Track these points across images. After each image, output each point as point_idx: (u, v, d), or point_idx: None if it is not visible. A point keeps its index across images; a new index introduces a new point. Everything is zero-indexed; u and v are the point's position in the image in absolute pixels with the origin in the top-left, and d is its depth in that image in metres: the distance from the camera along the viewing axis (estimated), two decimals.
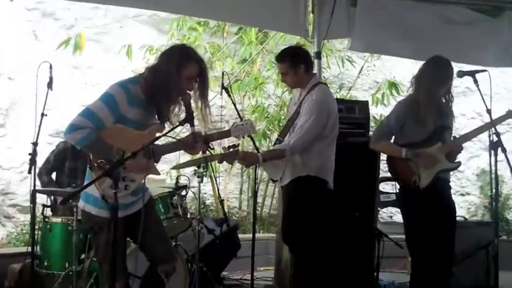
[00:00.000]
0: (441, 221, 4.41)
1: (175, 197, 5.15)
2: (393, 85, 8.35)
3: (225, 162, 4.33)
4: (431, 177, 4.40)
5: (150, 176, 3.72)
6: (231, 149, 4.04)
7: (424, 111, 4.40)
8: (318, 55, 5.66)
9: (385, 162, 4.69)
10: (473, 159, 10.69)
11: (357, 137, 5.50)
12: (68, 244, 4.91)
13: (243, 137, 4.15)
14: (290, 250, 4.71)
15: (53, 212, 5.51)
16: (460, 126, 9.03)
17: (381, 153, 5.22)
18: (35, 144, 4.59)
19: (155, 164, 3.73)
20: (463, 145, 4.60)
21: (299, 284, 4.47)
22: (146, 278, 3.98)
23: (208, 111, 3.80)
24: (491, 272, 5.29)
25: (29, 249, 4.57)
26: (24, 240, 7.49)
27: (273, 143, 5.14)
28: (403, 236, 4.60)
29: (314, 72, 4.79)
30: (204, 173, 5.28)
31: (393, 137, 4.63)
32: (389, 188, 6.57)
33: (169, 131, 3.58)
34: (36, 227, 4.82)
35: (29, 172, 4.56)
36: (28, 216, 7.43)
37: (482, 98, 4.19)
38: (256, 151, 4.85)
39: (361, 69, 9.50)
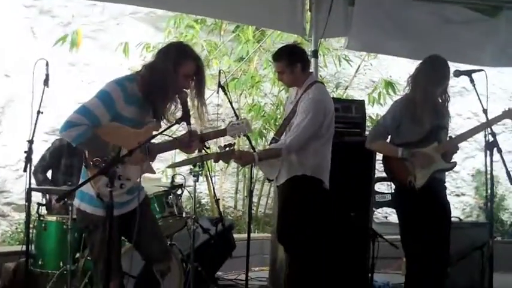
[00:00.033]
0: (436, 221, 4.41)
1: (171, 196, 5.14)
2: (390, 84, 8.33)
3: (221, 161, 4.31)
4: (426, 177, 4.41)
5: (146, 174, 3.71)
6: (227, 148, 4.04)
7: (421, 110, 4.41)
8: (315, 54, 5.66)
9: (381, 162, 4.68)
10: (468, 159, 10.70)
11: (353, 136, 5.49)
12: (62, 243, 4.90)
13: (239, 136, 4.14)
14: (285, 250, 4.70)
15: (48, 211, 5.50)
16: (456, 126, 9.05)
17: (377, 153, 5.21)
18: (31, 142, 4.57)
19: (151, 162, 3.73)
20: (459, 145, 4.59)
21: (294, 284, 4.47)
22: (141, 278, 3.96)
23: (205, 109, 3.79)
24: (486, 273, 5.28)
25: (24, 248, 4.53)
26: (18, 238, 7.47)
27: (269, 142, 5.12)
28: (398, 237, 4.59)
29: (311, 71, 4.79)
30: (200, 172, 5.27)
31: (389, 137, 4.63)
32: (384, 188, 6.56)
33: (165, 129, 3.57)
34: (31, 225, 4.79)
35: (25, 170, 4.54)
36: (23, 215, 7.42)
37: (479, 98, 4.19)
38: (252, 150, 4.84)
39: (358, 68, 9.49)
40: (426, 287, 4.41)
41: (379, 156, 4.89)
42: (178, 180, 5.61)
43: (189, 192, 5.53)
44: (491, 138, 4.16)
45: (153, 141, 3.65)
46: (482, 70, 4.37)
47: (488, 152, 4.16)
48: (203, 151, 4.03)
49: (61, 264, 4.89)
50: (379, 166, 5.09)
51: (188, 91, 3.69)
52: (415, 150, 4.42)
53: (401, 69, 9.01)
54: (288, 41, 6.83)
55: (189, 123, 3.57)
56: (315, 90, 4.44)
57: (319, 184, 4.42)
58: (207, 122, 3.92)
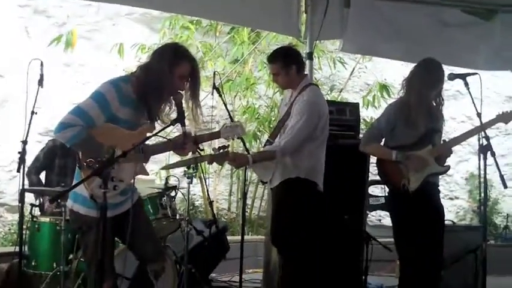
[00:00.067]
0: (430, 224, 4.41)
1: (165, 198, 5.14)
2: (384, 87, 8.36)
3: (214, 163, 4.31)
4: (420, 180, 4.41)
5: (139, 176, 3.70)
6: (221, 150, 4.03)
7: (415, 113, 4.40)
8: (310, 56, 5.66)
9: (375, 165, 4.68)
10: (462, 163, 10.74)
11: (347, 139, 5.49)
12: (56, 244, 4.88)
13: (233, 139, 4.14)
14: (279, 252, 4.70)
15: (42, 212, 5.49)
16: (450, 129, 9.09)
17: (371, 156, 5.21)
18: (25, 142, 4.56)
19: (144, 164, 3.73)
20: (453, 149, 4.59)
21: (287, 286, 4.46)
22: (135, 280, 3.95)
23: (199, 111, 3.78)
24: (479, 276, 5.28)
25: (17, 248, 4.53)
26: (12, 239, 7.45)
27: (263, 144, 5.12)
28: (392, 240, 4.59)
29: (305, 73, 4.79)
30: (194, 174, 5.26)
31: (383, 140, 4.63)
32: (378, 191, 6.57)
33: (160, 130, 3.57)
34: (24, 226, 4.78)
35: (18, 171, 4.53)
36: (16, 216, 7.40)
37: (473, 102, 4.19)
38: (246, 152, 4.83)
39: (353, 71, 9.52)
40: None
41: (373, 159, 4.89)
42: (172, 182, 5.60)
43: (182, 194, 5.52)
44: (484, 142, 4.15)
45: (147, 142, 3.65)
46: (476, 73, 4.38)
47: (481, 156, 4.17)
48: (197, 153, 4.02)
49: (54, 265, 4.88)
50: (373, 169, 5.10)
51: (183, 92, 3.68)
52: (409, 153, 4.43)
53: (396, 72, 9.03)
54: (283, 43, 6.82)
55: (183, 125, 3.56)
56: (310, 93, 4.44)
57: (313, 187, 4.42)
58: (201, 124, 3.91)
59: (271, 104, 8.46)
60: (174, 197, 5.30)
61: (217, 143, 4.14)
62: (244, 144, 4.94)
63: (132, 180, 3.65)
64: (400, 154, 4.42)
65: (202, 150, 4.03)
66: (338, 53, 8.44)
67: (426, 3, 6.16)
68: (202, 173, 6.07)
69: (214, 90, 4.99)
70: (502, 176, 4.11)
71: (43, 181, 5.84)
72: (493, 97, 10.58)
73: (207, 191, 6.09)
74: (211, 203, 5.54)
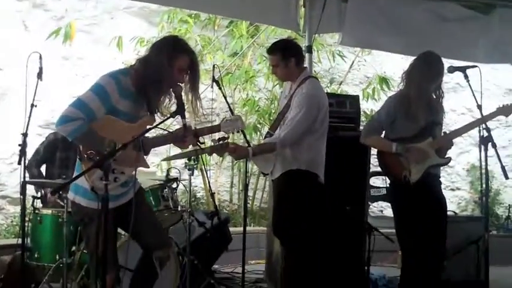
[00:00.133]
0: (432, 215, 4.42)
1: (166, 190, 5.14)
2: (384, 80, 8.35)
3: (215, 155, 4.32)
4: (421, 172, 4.42)
5: (140, 168, 3.71)
6: (221, 142, 4.04)
7: (415, 106, 4.41)
8: (309, 49, 5.66)
9: (376, 156, 4.69)
10: (463, 154, 10.76)
11: (347, 131, 5.49)
12: (58, 236, 4.89)
13: (233, 133, 4.14)
14: (281, 243, 4.72)
15: (44, 204, 5.49)
16: (450, 122, 9.11)
17: (372, 148, 5.23)
18: (25, 135, 4.56)
19: (145, 156, 3.74)
20: (453, 141, 4.60)
21: (290, 277, 4.48)
22: (138, 271, 3.96)
23: (199, 103, 3.79)
24: (481, 266, 5.33)
25: (19, 241, 4.52)
26: (14, 232, 7.47)
27: (263, 137, 5.13)
28: (394, 230, 4.61)
29: (305, 66, 4.79)
30: (195, 166, 5.27)
31: (384, 132, 4.64)
32: (379, 182, 6.58)
33: (160, 123, 3.57)
34: (27, 218, 4.79)
35: (19, 163, 4.53)
36: (18, 208, 7.45)
37: (473, 94, 4.20)
38: (247, 145, 4.84)
39: (352, 64, 9.52)
40: (422, 281, 4.42)
41: (374, 151, 4.90)
42: (174, 173, 5.60)
43: (184, 185, 5.54)
44: (485, 134, 4.18)
45: (147, 135, 3.66)
46: (476, 66, 4.40)
47: (482, 147, 4.18)
48: (197, 146, 4.03)
49: (57, 257, 4.89)
50: (374, 160, 5.11)
51: (182, 85, 3.69)
52: (409, 146, 4.43)
53: (395, 65, 9.04)
54: (282, 36, 6.81)
55: (183, 117, 3.57)
56: (309, 85, 4.45)
57: (315, 178, 4.42)
58: (201, 116, 3.92)
59: (271, 96, 8.46)
60: (175, 189, 5.30)
61: (217, 134, 4.14)
62: (245, 136, 4.95)
63: (133, 172, 3.66)
64: (400, 146, 4.43)
65: (203, 143, 4.04)
66: (337, 46, 8.43)
67: None
68: (204, 164, 6.07)
69: (214, 83, 4.99)
70: (503, 167, 4.15)
71: (44, 174, 5.85)
72: (493, 89, 10.59)
73: (209, 182, 6.10)
74: (212, 194, 5.53)
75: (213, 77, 4.98)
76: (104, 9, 9.20)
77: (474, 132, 4.56)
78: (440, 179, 4.66)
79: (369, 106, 8.44)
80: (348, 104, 5.70)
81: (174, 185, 5.29)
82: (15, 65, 7.46)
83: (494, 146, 4.13)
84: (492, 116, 4.41)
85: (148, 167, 3.89)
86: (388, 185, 4.70)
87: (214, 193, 6.40)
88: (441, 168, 4.69)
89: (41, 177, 5.77)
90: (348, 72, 9.71)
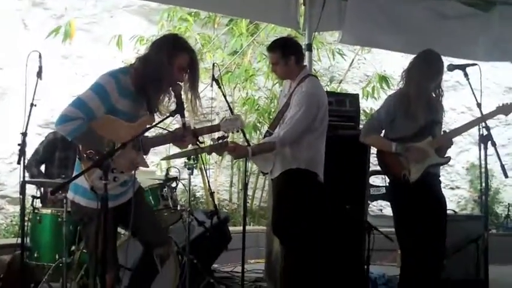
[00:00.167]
0: (431, 214, 4.41)
1: (166, 189, 5.14)
2: (383, 78, 8.35)
3: (215, 154, 4.31)
4: (421, 171, 4.41)
5: (140, 167, 3.70)
6: (220, 141, 4.03)
7: (415, 105, 4.40)
8: (309, 47, 5.65)
9: (375, 155, 4.69)
10: (463, 153, 10.75)
11: (347, 130, 5.49)
12: (58, 235, 4.89)
13: (233, 132, 4.14)
14: (280, 242, 4.72)
15: (43, 204, 5.49)
16: (450, 120, 9.10)
17: (371, 147, 5.22)
18: (24, 134, 4.55)
19: (144, 156, 3.73)
20: (453, 140, 4.60)
21: (290, 277, 4.47)
22: (138, 268, 3.96)
23: (198, 102, 3.79)
24: (481, 265, 5.33)
25: (19, 240, 4.52)
26: (13, 231, 7.47)
27: (263, 136, 5.13)
28: (393, 229, 4.61)
29: (305, 64, 4.78)
30: (195, 165, 5.27)
31: (383, 131, 4.63)
32: (379, 181, 6.57)
33: (160, 122, 3.56)
34: (26, 218, 4.79)
35: (18, 163, 4.53)
36: (18, 208, 7.44)
37: (473, 92, 4.20)
38: (246, 144, 4.84)
39: (352, 62, 9.51)
40: (421, 280, 4.42)
41: (373, 150, 4.90)
42: (173, 173, 5.60)
43: (183, 185, 5.53)
44: (485, 132, 4.17)
45: (146, 134, 3.65)
46: (476, 64, 4.38)
47: (482, 146, 4.18)
48: (196, 146, 4.03)
49: (57, 256, 4.89)
50: (373, 159, 5.10)
51: (182, 84, 3.68)
52: (409, 145, 4.43)
53: (395, 63, 9.02)
54: (281, 35, 6.82)
55: (183, 116, 3.57)
56: (309, 84, 4.44)
57: (314, 177, 4.42)
58: (200, 115, 3.92)
59: (271, 95, 8.46)
60: (175, 188, 5.30)
61: (216, 134, 4.14)
62: (245, 136, 4.95)
63: (133, 172, 3.66)
64: (400, 146, 4.42)
65: (202, 143, 4.03)
66: (337, 45, 8.42)
67: None
68: (203, 164, 6.06)
69: (214, 82, 4.98)
70: (502, 166, 4.14)
71: (43, 173, 5.85)
72: (493, 88, 10.58)
73: (208, 182, 6.10)
74: (212, 193, 5.53)
75: (213, 75, 4.98)
76: (104, 8, 9.19)
77: (474, 131, 4.56)
78: (440, 178, 4.65)
79: (369, 105, 8.44)
80: (347, 102, 5.70)
81: (174, 184, 5.29)
82: (15, 64, 7.45)
83: (493, 144, 4.12)
84: (492, 115, 4.41)
85: (148, 167, 3.89)
86: (387, 184, 4.70)
87: (214, 192, 6.39)
88: (441, 167, 4.68)
89: (40, 176, 5.77)
90: (348, 71, 9.70)
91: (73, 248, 4.90)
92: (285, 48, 4.51)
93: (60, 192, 4.63)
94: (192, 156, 4.88)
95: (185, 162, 5.21)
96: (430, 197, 4.45)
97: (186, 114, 3.64)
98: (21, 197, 4.56)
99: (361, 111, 6.78)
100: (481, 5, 6.29)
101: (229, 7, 5.95)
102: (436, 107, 4.57)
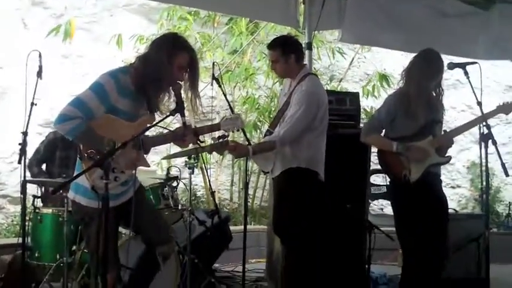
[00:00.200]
0: (432, 214, 4.40)
1: (166, 188, 5.14)
2: (384, 77, 8.34)
3: (216, 153, 4.31)
4: (421, 171, 4.40)
5: (140, 167, 3.70)
6: (221, 140, 4.03)
7: (415, 104, 4.39)
8: (309, 46, 5.65)
9: (376, 154, 4.68)
10: (463, 152, 10.75)
11: (347, 128, 5.48)
12: (59, 235, 4.89)
13: (233, 131, 4.14)
14: (281, 242, 4.71)
15: (44, 203, 5.49)
16: (450, 119, 9.10)
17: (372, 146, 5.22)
18: (25, 134, 4.55)
19: (145, 155, 3.73)
20: (454, 139, 4.59)
21: (291, 276, 4.47)
22: (138, 265, 3.96)
23: (198, 101, 3.78)
24: (482, 264, 5.32)
25: (20, 240, 4.52)
26: (14, 231, 7.47)
27: (263, 135, 5.12)
28: (394, 229, 4.60)
29: (305, 63, 4.78)
30: (195, 164, 5.27)
31: (384, 131, 4.63)
32: (380, 180, 6.56)
33: (160, 121, 3.56)
34: (27, 218, 4.78)
35: (19, 162, 4.52)
36: (18, 207, 7.44)
37: (473, 91, 4.19)
38: (247, 143, 4.83)
39: (352, 61, 9.51)
40: (423, 279, 4.42)
41: (374, 148, 4.89)
42: (174, 172, 5.60)
43: (184, 184, 5.53)
44: (486, 131, 4.17)
45: (147, 133, 3.65)
46: (476, 63, 4.38)
47: (483, 144, 4.17)
48: (197, 145, 4.03)
49: (58, 256, 4.89)
50: (374, 158, 5.10)
51: (182, 83, 3.68)
52: (409, 144, 4.42)
53: (395, 61, 9.04)
54: (281, 33, 6.82)
55: (183, 115, 3.56)
56: (308, 82, 4.43)
57: (315, 176, 4.41)
58: (201, 115, 3.92)
59: (271, 94, 8.46)
60: (175, 188, 5.30)
61: (217, 133, 4.13)
62: (245, 135, 4.94)
63: (134, 171, 3.66)
64: (400, 145, 4.41)
65: (203, 142, 4.03)
66: (337, 43, 8.42)
67: None
68: (204, 163, 6.07)
69: (214, 81, 4.97)
70: (503, 165, 4.13)
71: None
72: (493, 86, 10.57)
73: (209, 181, 6.10)
74: (213, 193, 5.53)
75: (213, 74, 4.97)
76: (104, 7, 9.19)
77: (474, 130, 4.56)
78: (441, 178, 4.64)
79: (369, 103, 8.44)
80: (347, 101, 5.68)
81: (175, 184, 5.30)
82: (15, 63, 7.46)
83: (494, 143, 4.12)
84: (492, 114, 4.40)
85: (149, 166, 3.88)
86: (388, 183, 4.69)
87: (215, 192, 6.40)
88: (441, 166, 4.67)
89: (41, 174, 5.77)
90: (348, 69, 9.70)
91: (74, 247, 4.90)
92: (285, 46, 4.50)
93: (61, 191, 4.63)
94: (192, 156, 4.88)
95: (186, 161, 5.21)
96: (430, 197, 4.44)
97: (186, 113, 3.64)
98: (22, 196, 4.56)
99: (362, 110, 6.78)
100: (481, 3, 6.29)
101: (229, 6, 5.95)
102: (436, 106, 4.56)
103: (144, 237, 3.88)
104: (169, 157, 5.61)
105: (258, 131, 8.06)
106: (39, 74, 4.58)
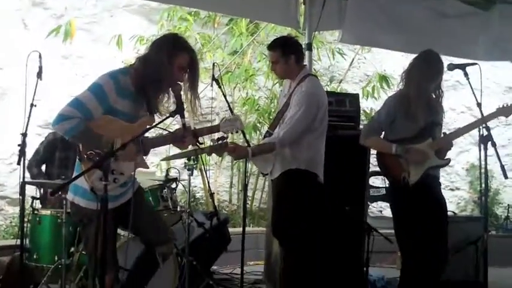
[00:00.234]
0: (431, 217, 4.40)
1: (165, 190, 5.14)
2: (384, 78, 8.34)
3: (215, 155, 4.30)
4: (420, 173, 4.39)
5: (140, 168, 3.70)
6: (220, 141, 4.02)
7: (415, 106, 4.38)
8: (309, 47, 5.64)
9: (375, 157, 4.68)
10: (463, 153, 10.74)
11: (347, 130, 5.47)
12: (57, 237, 4.88)
13: (232, 133, 4.13)
14: (280, 244, 4.70)
15: (43, 205, 5.48)
16: (449, 120, 9.10)
17: None
18: (24, 135, 4.55)
19: (144, 157, 3.72)
20: (453, 141, 4.58)
21: (289, 278, 4.46)
22: (137, 264, 3.95)
23: (198, 102, 3.78)
24: (480, 267, 5.29)
25: (18, 241, 4.51)
26: (13, 232, 7.46)
27: (263, 136, 5.12)
28: (393, 231, 4.59)
29: (304, 64, 4.77)
30: (194, 166, 5.26)
31: (383, 133, 4.62)
32: (379, 182, 6.57)
33: (160, 122, 3.56)
34: (26, 219, 4.78)
35: (18, 163, 4.52)
36: (17, 209, 7.42)
37: (473, 92, 4.18)
38: (246, 144, 4.83)
39: (352, 61, 9.50)
40: (422, 282, 4.41)
41: (373, 150, 4.89)
42: (173, 174, 5.59)
43: (183, 186, 5.52)
44: (485, 132, 4.15)
45: (146, 135, 3.64)
46: (476, 64, 4.37)
47: (482, 146, 4.16)
48: (196, 146, 4.02)
49: (56, 258, 4.87)
50: (373, 160, 5.09)
51: (182, 84, 3.67)
52: (409, 147, 4.41)
53: (395, 63, 9.02)
54: (281, 34, 6.81)
55: (183, 116, 3.55)
56: (308, 83, 4.43)
57: (314, 178, 4.41)
58: (200, 116, 3.91)
59: (271, 95, 8.46)
60: (174, 189, 5.30)
61: (216, 134, 4.13)
62: (245, 136, 4.94)
63: (133, 173, 3.65)
64: (400, 147, 4.41)
65: (202, 144, 4.03)
66: (337, 44, 8.42)
67: None
68: (203, 165, 6.06)
69: (214, 82, 4.97)
70: (502, 167, 4.12)
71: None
72: (493, 87, 10.56)
73: (208, 183, 6.09)
74: (212, 195, 5.53)
75: (213, 75, 4.97)
76: (104, 7, 9.19)
77: (474, 132, 4.54)
78: (440, 180, 4.63)
79: (369, 105, 8.43)
80: (347, 102, 5.68)
81: (174, 185, 5.29)
82: (15, 64, 7.45)
83: (494, 145, 4.11)
84: (492, 116, 4.39)
85: (148, 168, 3.88)
86: (387, 185, 4.69)
87: (214, 193, 6.39)
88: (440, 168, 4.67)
89: (41, 175, 5.77)
90: (348, 70, 9.69)
91: (72, 249, 4.89)
92: (285, 47, 4.50)
93: (59, 193, 4.62)
94: (192, 157, 4.88)
95: (185, 163, 5.20)
96: (429, 199, 4.44)
97: (186, 114, 3.63)
98: (20, 198, 4.55)
99: (361, 111, 6.78)
100: (481, 3, 6.28)
101: (229, 6, 5.94)
102: (436, 108, 4.55)
103: (143, 238, 3.87)
104: (168, 158, 5.59)
105: (258, 132, 8.06)
106: (39, 74, 4.58)
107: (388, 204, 4.96)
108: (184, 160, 5.21)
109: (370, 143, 4.72)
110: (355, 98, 5.85)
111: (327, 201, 4.49)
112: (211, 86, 5.01)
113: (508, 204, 9.83)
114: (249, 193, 8.51)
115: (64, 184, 3.61)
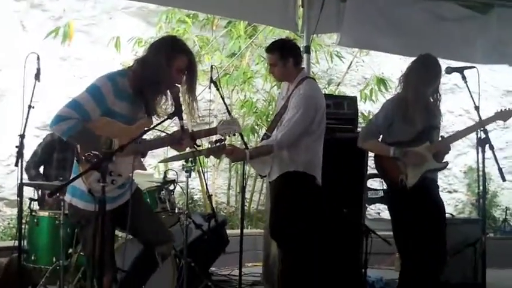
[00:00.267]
0: (429, 219, 4.40)
1: (163, 192, 5.14)
2: (382, 81, 8.34)
3: (213, 157, 4.31)
4: (418, 176, 4.40)
5: (137, 170, 3.70)
6: (218, 144, 4.03)
7: (413, 110, 4.39)
8: (307, 49, 5.65)
9: (373, 159, 4.68)
10: (460, 156, 10.74)
11: (345, 132, 5.48)
12: (55, 238, 4.86)
13: (229, 136, 4.14)
14: (278, 246, 4.71)
15: (40, 206, 5.47)
16: (447, 123, 9.10)
17: None
18: (22, 136, 4.54)
19: (142, 159, 3.72)
20: (451, 145, 4.59)
21: (287, 280, 4.47)
22: (135, 265, 3.95)
23: (196, 105, 3.79)
24: (478, 269, 5.32)
25: (16, 243, 4.52)
26: (11, 234, 7.44)
27: (260, 138, 5.12)
28: (391, 233, 4.60)
29: (303, 66, 4.78)
30: (192, 168, 5.26)
31: (381, 136, 4.62)
32: (377, 184, 6.57)
33: (158, 124, 3.56)
34: (23, 220, 4.77)
35: (16, 165, 4.51)
36: (15, 210, 7.40)
37: (471, 95, 4.19)
38: (244, 147, 4.83)
39: (350, 64, 9.50)
40: (420, 283, 4.41)
41: (371, 153, 4.89)
42: (171, 175, 5.59)
43: (181, 187, 5.52)
44: (483, 135, 4.16)
45: (144, 137, 3.64)
46: (474, 67, 4.38)
47: (480, 149, 4.18)
48: (194, 149, 4.03)
49: (54, 259, 4.85)
50: (371, 162, 5.10)
51: (180, 86, 3.68)
52: (407, 150, 4.41)
53: (393, 65, 9.03)
54: (280, 37, 6.81)
55: (181, 119, 3.56)
56: (306, 86, 4.44)
57: (312, 180, 4.41)
58: (198, 118, 3.92)
59: (269, 98, 8.45)
60: (172, 191, 5.29)
61: (214, 137, 4.13)
62: (243, 138, 4.95)
63: (130, 174, 3.65)
64: (397, 150, 4.41)
65: (200, 146, 4.03)
66: (335, 47, 8.42)
67: None
68: (201, 166, 6.07)
69: (212, 84, 4.98)
70: (500, 169, 4.14)
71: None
72: (491, 91, 10.57)
73: (206, 185, 6.09)
74: (210, 196, 5.53)
75: (211, 77, 4.97)
76: (103, 9, 9.18)
77: (472, 134, 4.56)
78: (438, 183, 4.64)
79: (367, 107, 8.43)
80: (345, 105, 5.69)
81: (171, 187, 5.29)
82: (13, 65, 7.43)
83: (491, 147, 4.12)
84: (490, 120, 4.40)
85: (146, 169, 3.88)
86: (385, 187, 4.69)
87: (212, 195, 6.39)
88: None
89: (39, 177, 5.76)
90: (346, 73, 9.69)
91: (70, 250, 4.87)
92: (283, 49, 4.51)
93: (57, 194, 4.62)
94: (190, 159, 4.88)
95: (183, 165, 5.20)
96: (427, 202, 4.44)
97: (184, 116, 3.64)
98: (18, 199, 4.54)
99: (359, 114, 6.78)
100: (479, 7, 6.30)
101: (228, 9, 5.96)
102: (434, 111, 4.56)
103: (142, 239, 3.87)
104: (166, 160, 5.61)
105: (256, 134, 8.05)
106: (37, 76, 4.59)
107: (386, 206, 4.96)
108: (182, 162, 5.21)
109: (368, 146, 4.73)
110: (353, 100, 5.86)
111: (325, 204, 4.49)
112: (209, 88, 5.02)
113: (506, 207, 9.84)
114: (247, 195, 8.50)
115: (62, 186, 3.59)
